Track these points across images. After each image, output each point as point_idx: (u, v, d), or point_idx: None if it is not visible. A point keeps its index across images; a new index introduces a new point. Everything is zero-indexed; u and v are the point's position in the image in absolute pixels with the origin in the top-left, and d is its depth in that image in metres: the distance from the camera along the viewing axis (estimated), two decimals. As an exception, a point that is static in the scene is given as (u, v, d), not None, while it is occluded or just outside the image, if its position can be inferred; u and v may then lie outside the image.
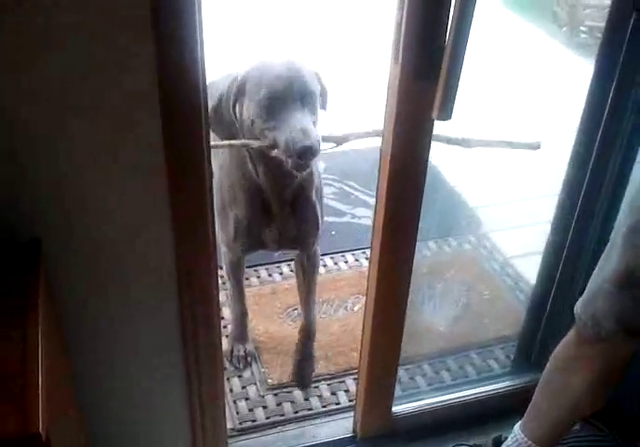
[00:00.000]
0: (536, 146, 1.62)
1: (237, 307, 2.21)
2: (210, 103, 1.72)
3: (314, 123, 1.68)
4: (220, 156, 1.90)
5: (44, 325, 0.99)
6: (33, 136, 1.11)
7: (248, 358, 2.19)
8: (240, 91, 1.72)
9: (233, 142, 1.77)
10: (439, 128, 1.44)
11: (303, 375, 2.12)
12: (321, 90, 1.79)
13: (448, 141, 1.61)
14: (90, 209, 1.22)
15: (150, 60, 1.09)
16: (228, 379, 2.11)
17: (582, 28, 4.25)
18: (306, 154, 1.61)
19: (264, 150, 1.70)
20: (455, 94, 1.25)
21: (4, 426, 0.85)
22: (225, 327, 2.29)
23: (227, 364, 2.15)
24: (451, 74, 1.23)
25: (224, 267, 2.16)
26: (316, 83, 1.74)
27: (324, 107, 1.84)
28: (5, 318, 0.99)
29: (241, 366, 2.17)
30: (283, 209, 1.89)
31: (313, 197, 1.94)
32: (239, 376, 2.15)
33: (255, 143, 1.71)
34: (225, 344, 2.21)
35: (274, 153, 1.67)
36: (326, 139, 1.72)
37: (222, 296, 2.39)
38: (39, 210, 1.17)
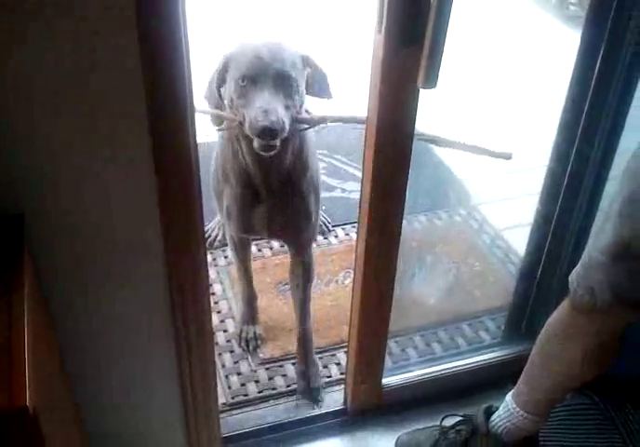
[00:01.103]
0: (508, 157, 1.62)
1: (245, 289, 2.20)
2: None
3: (288, 106, 1.66)
4: (219, 144, 1.92)
5: (29, 301, 0.99)
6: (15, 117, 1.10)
7: (258, 342, 2.17)
8: (224, 69, 1.73)
9: (208, 110, 1.77)
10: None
11: (312, 387, 2.02)
12: (313, 74, 1.76)
13: (420, 136, 1.61)
14: (75, 185, 1.21)
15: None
16: (220, 354, 2.12)
17: (571, 0, 4.22)
18: (264, 133, 1.60)
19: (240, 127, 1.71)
20: (440, 62, 1.24)
21: (-10, 401, 0.85)
22: (216, 303, 2.30)
23: (236, 347, 2.16)
24: (436, 42, 1.21)
25: (229, 247, 2.19)
26: (300, 66, 1.72)
27: (325, 93, 1.81)
28: (-11, 293, 0.98)
29: (250, 348, 2.15)
30: (271, 197, 1.85)
31: (304, 190, 1.88)
32: (231, 351, 2.15)
33: (228, 116, 1.72)
34: (232, 327, 2.24)
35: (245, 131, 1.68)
36: (300, 120, 1.72)
37: (212, 273, 2.39)
38: (22, 186, 1.16)
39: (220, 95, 1.76)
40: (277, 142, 1.65)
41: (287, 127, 1.64)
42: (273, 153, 1.67)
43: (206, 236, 2.51)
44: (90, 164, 1.19)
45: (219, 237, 2.54)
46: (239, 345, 2.17)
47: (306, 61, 1.74)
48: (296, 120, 1.70)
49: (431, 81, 1.27)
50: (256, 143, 1.66)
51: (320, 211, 2.08)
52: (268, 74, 1.65)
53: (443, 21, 1.19)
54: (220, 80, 1.75)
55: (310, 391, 2.01)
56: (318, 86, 1.78)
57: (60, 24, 1.03)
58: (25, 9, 1.01)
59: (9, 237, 1.09)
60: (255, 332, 2.18)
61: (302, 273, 2.05)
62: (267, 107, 1.61)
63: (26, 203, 1.16)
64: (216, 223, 2.55)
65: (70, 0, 1.02)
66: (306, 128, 1.76)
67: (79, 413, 1.43)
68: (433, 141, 1.64)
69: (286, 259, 2.39)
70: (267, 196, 1.85)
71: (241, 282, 2.21)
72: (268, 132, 1.60)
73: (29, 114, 1.11)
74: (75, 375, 1.40)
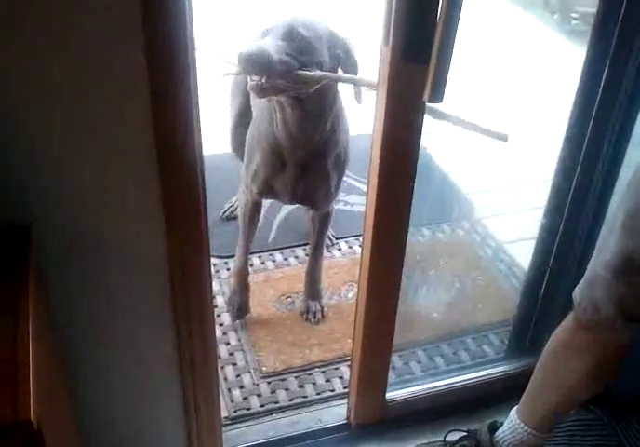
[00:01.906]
0: (504, 138, 1.62)
1: (240, 256, 2.27)
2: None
3: (288, 54, 1.72)
4: (259, 102, 2.01)
5: (34, 314, 0.98)
6: (22, 122, 1.09)
7: (244, 313, 2.27)
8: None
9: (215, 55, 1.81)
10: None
11: (312, 311, 2.27)
12: (345, 60, 1.84)
13: (429, 110, 1.60)
14: (80, 195, 1.21)
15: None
16: (222, 367, 2.11)
17: (574, 14, 4.23)
18: (245, 61, 1.66)
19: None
20: (446, 76, 1.24)
21: (-5, 414, 0.84)
22: (219, 316, 2.29)
23: (238, 360, 2.16)
24: (442, 56, 1.21)
25: (239, 209, 2.28)
26: (324, 41, 1.80)
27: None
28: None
29: (235, 314, 2.26)
30: (297, 166, 1.99)
31: (329, 166, 2.02)
32: (233, 364, 2.14)
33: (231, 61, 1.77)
34: (235, 340, 2.24)
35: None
36: (298, 75, 1.74)
37: (215, 285, 2.39)
38: (28, 197, 1.16)
39: None
40: (264, 80, 1.70)
41: (275, 66, 1.69)
42: (262, 96, 1.76)
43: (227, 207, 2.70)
44: (97, 177, 1.19)
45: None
46: (227, 311, 2.29)
47: (336, 41, 1.83)
48: (295, 73, 1.73)
49: (437, 95, 1.26)
50: (248, 84, 1.75)
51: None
52: (279, 27, 1.75)
53: (450, 38, 1.19)
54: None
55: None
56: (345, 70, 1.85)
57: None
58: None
59: (15, 249, 1.09)
60: (240, 301, 2.26)
61: (320, 219, 2.24)
62: (257, 42, 1.71)
63: (33, 214, 1.16)
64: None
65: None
66: (304, 87, 1.78)
67: (81, 426, 1.42)
68: (444, 116, 1.62)
69: (289, 272, 2.40)
70: (293, 165, 1.98)
71: (239, 246, 2.27)
72: (248, 61, 1.66)
73: (37, 127, 1.11)
74: (78, 386, 1.40)
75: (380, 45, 1.32)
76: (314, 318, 2.27)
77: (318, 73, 1.76)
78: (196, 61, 1.16)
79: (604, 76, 1.62)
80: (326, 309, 2.31)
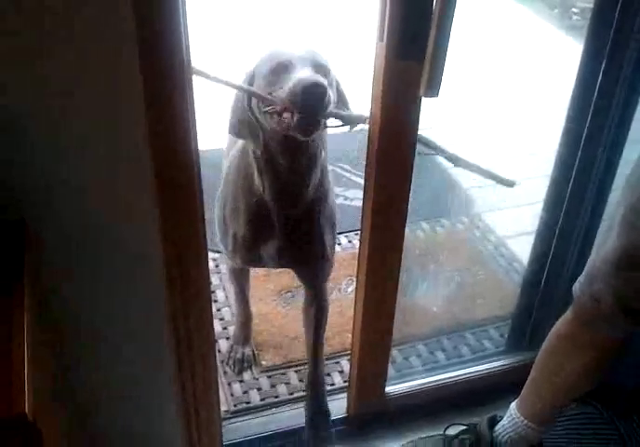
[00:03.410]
0: (511, 184, 1.62)
1: (241, 312, 2.14)
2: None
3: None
4: (227, 165, 1.79)
5: (30, 309, 0.98)
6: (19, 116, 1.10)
7: (245, 364, 2.12)
8: (251, 79, 1.56)
9: (233, 82, 1.52)
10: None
11: (320, 437, 1.92)
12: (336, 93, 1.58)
13: (438, 152, 1.58)
14: (75, 188, 1.21)
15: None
16: (222, 362, 2.12)
17: (574, 10, 4.22)
18: (309, 94, 1.40)
19: (267, 111, 1.49)
20: (442, 71, 1.24)
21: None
22: (219, 310, 2.30)
23: (225, 368, 2.13)
24: (438, 51, 1.21)
25: (228, 272, 2.12)
26: (328, 70, 1.55)
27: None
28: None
29: (235, 370, 2.11)
30: (286, 230, 1.71)
31: (321, 225, 1.76)
32: (233, 359, 2.15)
33: (259, 94, 1.51)
34: (226, 344, 2.21)
35: (279, 112, 1.47)
36: (336, 114, 1.51)
37: (215, 279, 2.39)
38: (23, 191, 1.16)
39: (251, 109, 1.56)
40: (319, 121, 1.46)
41: (331, 104, 1.46)
42: (311, 137, 1.50)
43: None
44: (93, 172, 1.20)
45: None
46: (226, 364, 2.13)
47: (331, 74, 1.56)
48: (332, 114, 1.50)
49: (433, 90, 1.26)
50: (295, 122, 1.44)
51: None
52: (305, 58, 1.49)
53: (445, 30, 1.19)
54: (248, 97, 1.56)
55: (318, 440, 1.91)
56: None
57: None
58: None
59: (11, 244, 1.09)
60: (244, 354, 2.13)
61: (315, 313, 1.94)
62: (311, 74, 1.44)
63: (28, 209, 1.16)
64: None
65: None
66: (340, 125, 1.55)
67: (79, 422, 1.42)
68: (452, 158, 1.60)
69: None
70: (281, 230, 1.71)
71: (237, 304, 2.14)
72: (314, 93, 1.40)
73: (35, 122, 1.11)
74: (76, 383, 1.40)
75: (375, 41, 1.32)
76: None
77: (354, 113, 1.56)
78: (191, 58, 1.16)
79: (601, 72, 1.63)
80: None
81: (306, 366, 2.07)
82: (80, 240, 1.26)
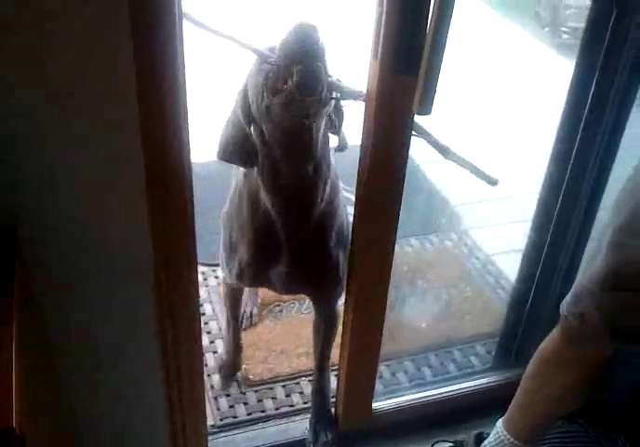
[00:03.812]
0: (494, 182, 1.62)
1: (231, 341, 2.09)
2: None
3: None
4: (234, 183, 1.72)
5: (19, 318, 0.98)
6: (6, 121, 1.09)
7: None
8: (245, 94, 1.51)
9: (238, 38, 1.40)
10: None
11: (323, 442, 1.91)
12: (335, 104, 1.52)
13: (430, 140, 1.57)
14: (65, 195, 1.21)
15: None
16: (209, 376, 2.11)
17: (564, 29, 4.25)
18: (304, 35, 1.34)
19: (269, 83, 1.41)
20: (435, 88, 1.24)
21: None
22: (206, 323, 2.29)
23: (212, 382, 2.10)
24: (432, 68, 1.22)
25: (222, 297, 2.06)
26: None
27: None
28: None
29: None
30: (295, 252, 1.64)
31: (332, 244, 1.68)
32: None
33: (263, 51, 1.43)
34: (212, 358, 2.18)
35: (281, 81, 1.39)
36: (337, 86, 1.44)
37: (203, 293, 2.38)
38: (14, 198, 1.15)
39: (248, 117, 1.51)
40: (319, 77, 1.37)
41: (326, 89, 1.40)
42: (309, 122, 1.43)
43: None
44: (85, 173, 1.19)
45: None
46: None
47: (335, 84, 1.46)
48: (333, 86, 1.43)
49: (426, 107, 1.27)
50: (295, 79, 1.36)
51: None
52: (305, 55, 1.37)
53: (439, 50, 1.20)
54: (245, 102, 1.51)
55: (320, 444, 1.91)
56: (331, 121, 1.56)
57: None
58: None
59: (1, 251, 1.08)
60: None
61: (324, 328, 1.90)
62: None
63: (19, 215, 1.15)
64: None
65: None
66: (339, 98, 1.49)
67: (65, 440, 1.41)
68: (443, 150, 1.58)
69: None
70: (290, 247, 1.64)
71: (228, 332, 2.08)
72: (308, 35, 1.35)
73: (25, 130, 1.11)
74: (65, 392, 1.39)
75: (370, 58, 1.33)
76: None
77: (356, 89, 1.47)
78: (185, 62, 1.17)
79: (592, 92, 1.64)
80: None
81: (294, 381, 2.08)
82: (70, 243, 1.26)
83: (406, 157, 1.46)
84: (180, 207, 1.29)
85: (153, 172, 1.22)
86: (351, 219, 1.61)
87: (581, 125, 1.68)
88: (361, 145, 1.46)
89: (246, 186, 1.63)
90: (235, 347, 2.10)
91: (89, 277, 1.32)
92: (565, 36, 4.24)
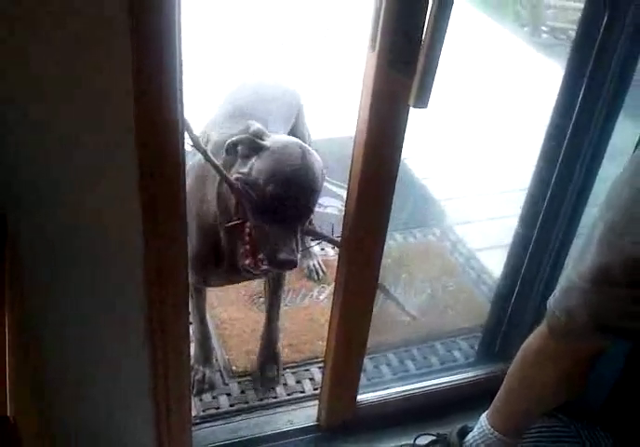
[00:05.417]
0: (414, 317, 1.88)
1: (198, 328, 2.06)
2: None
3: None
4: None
5: (10, 311, 0.96)
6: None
7: (206, 386, 2.03)
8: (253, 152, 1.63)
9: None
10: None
11: (268, 378, 2.06)
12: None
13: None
14: (57, 184, 1.19)
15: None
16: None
17: (544, 28, 4.29)
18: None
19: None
20: (432, 82, 1.24)
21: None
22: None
23: None
24: (429, 62, 1.22)
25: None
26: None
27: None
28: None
29: (194, 392, 1.98)
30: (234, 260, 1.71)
31: None
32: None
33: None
34: None
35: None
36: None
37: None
38: (3, 186, 1.14)
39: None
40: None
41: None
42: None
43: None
44: (75, 169, 1.18)
45: None
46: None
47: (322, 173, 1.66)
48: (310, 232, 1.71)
49: (422, 101, 1.27)
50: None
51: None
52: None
53: (437, 44, 1.20)
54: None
55: (265, 380, 2.05)
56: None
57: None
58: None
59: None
60: (205, 375, 2.04)
61: (274, 286, 2.08)
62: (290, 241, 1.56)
63: (8, 204, 1.14)
64: None
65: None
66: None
67: (50, 431, 1.40)
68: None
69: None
70: (229, 259, 1.73)
71: (194, 321, 2.04)
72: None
73: (16, 123, 1.09)
74: (51, 386, 1.38)
75: (367, 50, 1.32)
76: (271, 387, 2.06)
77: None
78: (183, 59, 1.16)
79: (582, 89, 1.65)
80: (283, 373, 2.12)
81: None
82: (62, 237, 1.25)
83: (401, 149, 1.46)
84: (172, 195, 1.28)
85: (146, 161, 1.20)
86: (333, 211, 1.63)
87: (572, 121, 1.69)
88: (354, 137, 1.46)
89: (198, 182, 1.71)
90: (204, 338, 2.07)
91: (79, 268, 1.30)
92: (544, 36, 4.27)
